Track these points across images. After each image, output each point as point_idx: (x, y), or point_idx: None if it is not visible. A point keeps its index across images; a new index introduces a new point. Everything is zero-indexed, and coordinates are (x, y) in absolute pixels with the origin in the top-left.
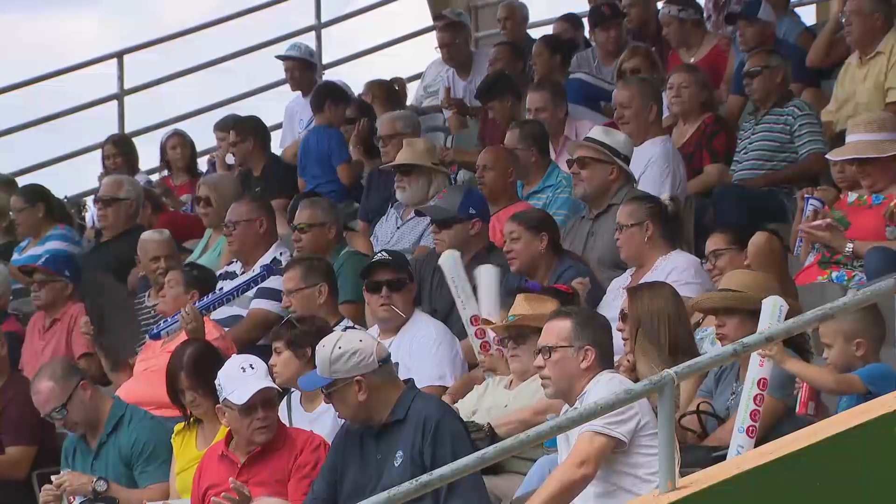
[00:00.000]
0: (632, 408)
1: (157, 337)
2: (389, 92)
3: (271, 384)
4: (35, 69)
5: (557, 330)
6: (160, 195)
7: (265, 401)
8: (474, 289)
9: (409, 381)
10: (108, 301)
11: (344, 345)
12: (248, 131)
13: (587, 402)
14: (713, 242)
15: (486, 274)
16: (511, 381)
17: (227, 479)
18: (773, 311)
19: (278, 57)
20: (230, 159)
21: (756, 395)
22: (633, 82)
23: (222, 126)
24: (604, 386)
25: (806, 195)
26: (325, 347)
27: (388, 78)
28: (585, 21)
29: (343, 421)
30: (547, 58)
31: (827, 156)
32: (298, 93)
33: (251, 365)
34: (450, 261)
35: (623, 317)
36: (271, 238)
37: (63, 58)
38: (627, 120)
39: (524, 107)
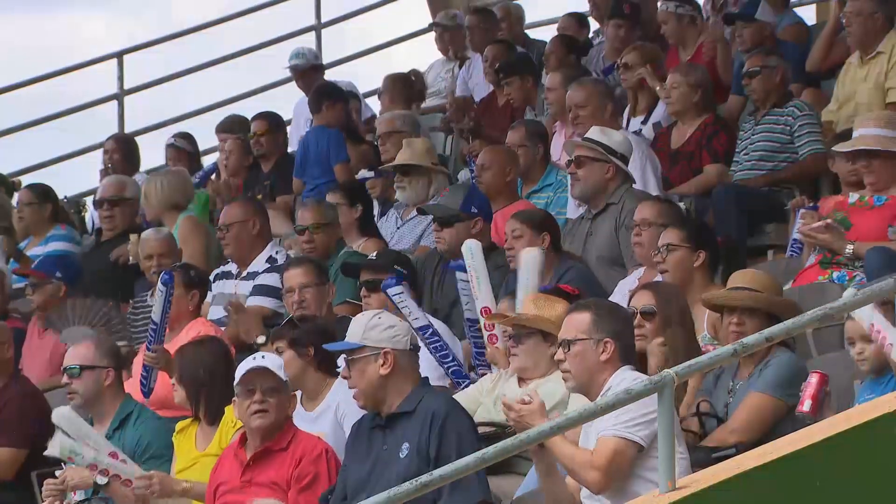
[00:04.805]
0: (655, 410)
1: (150, 392)
2: (406, 86)
3: (273, 368)
4: (40, 70)
5: (576, 322)
6: None
7: (266, 388)
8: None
9: (424, 379)
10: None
11: (384, 317)
12: (279, 125)
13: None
14: (668, 236)
15: (530, 258)
16: (519, 379)
17: (235, 476)
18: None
19: (291, 68)
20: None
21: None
22: (587, 83)
23: (224, 128)
24: (629, 385)
25: (797, 207)
26: (365, 315)
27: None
28: (591, 20)
29: (350, 421)
30: (562, 56)
31: (834, 148)
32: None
33: (262, 356)
34: (474, 249)
35: (644, 315)
36: (265, 238)
37: (69, 58)
38: (582, 121)
39: (541, 91)
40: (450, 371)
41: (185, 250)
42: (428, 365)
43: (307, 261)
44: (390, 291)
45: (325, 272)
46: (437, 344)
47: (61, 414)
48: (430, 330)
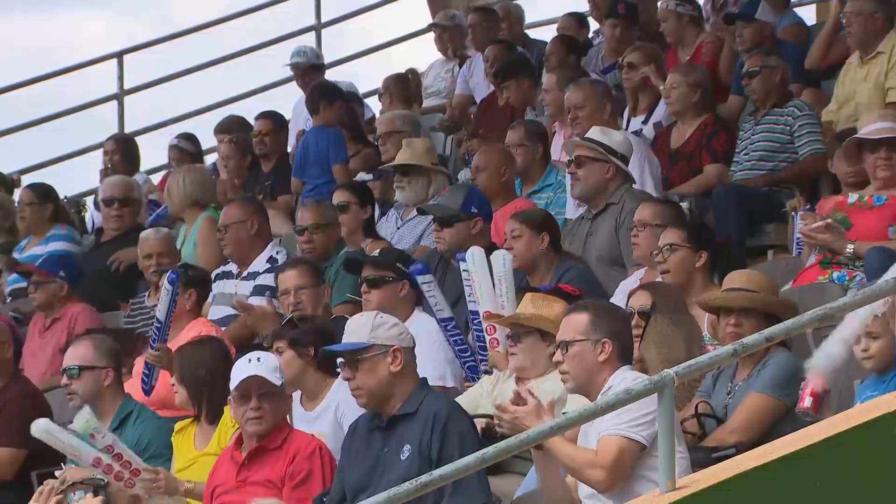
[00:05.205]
0: (655, 409)
1: (151, 391)
2: (405, 86)
3: (268, 376)
4: (40, 70)
5: (574, 323)
6: None
7: (262, 393)
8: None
9: (423, 380)
10: None
11: (385, 316)
12: (283, 124)
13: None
14: (669, 236)
15: (498, 260)
16: (517, 379)
17: (230, 478)
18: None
19: (292, 66)
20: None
21: None
22: (585, 84)
23: (223, 128)
24: (629, 385)
25: (793, 212)
26: (366, 316)
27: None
28: (591, 20)
29: (349, 421)
30: (562, 56)
31: (860, 133)
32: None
33: (258, 358)
34: (476, 255)
35: (641, 315)
36: (265, 238)
37: (69, 58)
38: (581, 121)
39: (539, 92)
40: (466, 366)
41: (202, 250)
42: (426, 365)
43: (302, 262)
44: (421, 278)
45: (321, 273)
46: (458, 337)
47: (41, 428)
48: (453, 323)
